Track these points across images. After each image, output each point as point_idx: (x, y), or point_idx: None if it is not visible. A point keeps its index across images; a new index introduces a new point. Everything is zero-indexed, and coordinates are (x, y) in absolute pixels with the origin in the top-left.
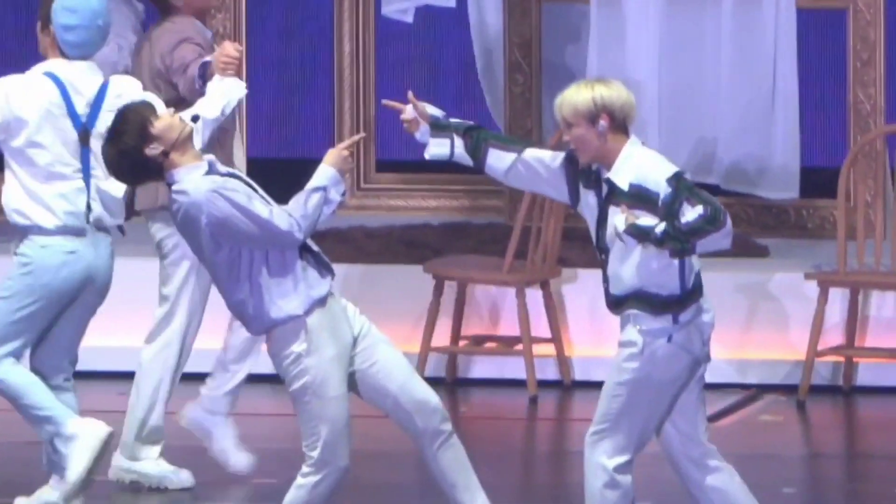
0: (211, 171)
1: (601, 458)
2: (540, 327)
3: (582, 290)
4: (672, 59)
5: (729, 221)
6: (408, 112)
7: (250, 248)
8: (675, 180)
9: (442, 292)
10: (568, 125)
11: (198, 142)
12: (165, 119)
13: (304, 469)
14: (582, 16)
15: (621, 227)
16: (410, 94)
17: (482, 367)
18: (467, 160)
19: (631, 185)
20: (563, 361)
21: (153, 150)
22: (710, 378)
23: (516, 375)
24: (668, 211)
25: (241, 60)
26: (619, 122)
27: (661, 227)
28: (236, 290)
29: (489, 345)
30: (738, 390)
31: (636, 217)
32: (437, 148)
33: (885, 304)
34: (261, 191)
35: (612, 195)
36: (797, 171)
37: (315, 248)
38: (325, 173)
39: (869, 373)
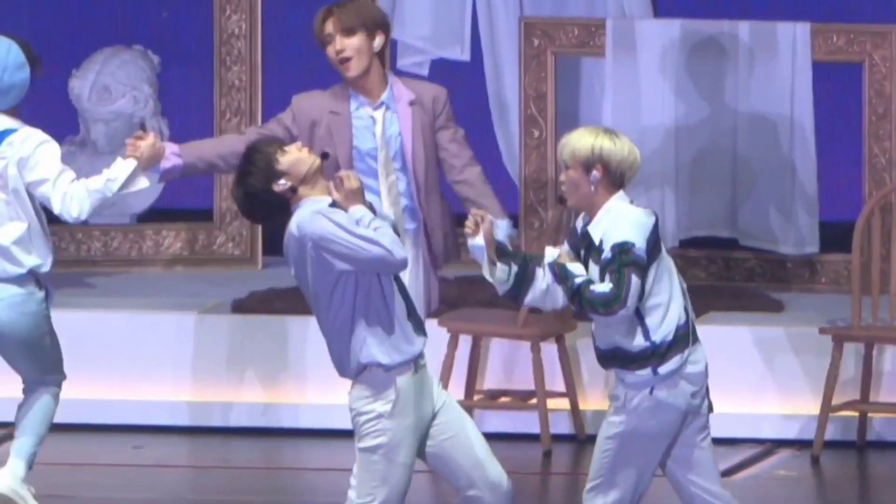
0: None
1: None
2: (554, 381)
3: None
4: (689, 112)
5: (621, 314)
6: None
7: (353, 276)
8: (617, 249)
9: (457, 346)
10: (565, 166)
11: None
12: (293, 153)
13: None
14: (597, 68)
15: (548, 259)
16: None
17: (497, 422)
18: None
19: (600, 241)
20: (577, 415)
21: (281, 186)
22: (723, 432)
23: (530, 430)
24: (599, 273)
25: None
26: (612, 176)
27: (577, 281)
28: (334, 322)
29: (504, 399)
30: (752, 445)
31: (570, 259)
32: (498, 273)
33: None
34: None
35: (590, 250)
36: (816, 226)
37: (413, 304)
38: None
39: (883, 428)
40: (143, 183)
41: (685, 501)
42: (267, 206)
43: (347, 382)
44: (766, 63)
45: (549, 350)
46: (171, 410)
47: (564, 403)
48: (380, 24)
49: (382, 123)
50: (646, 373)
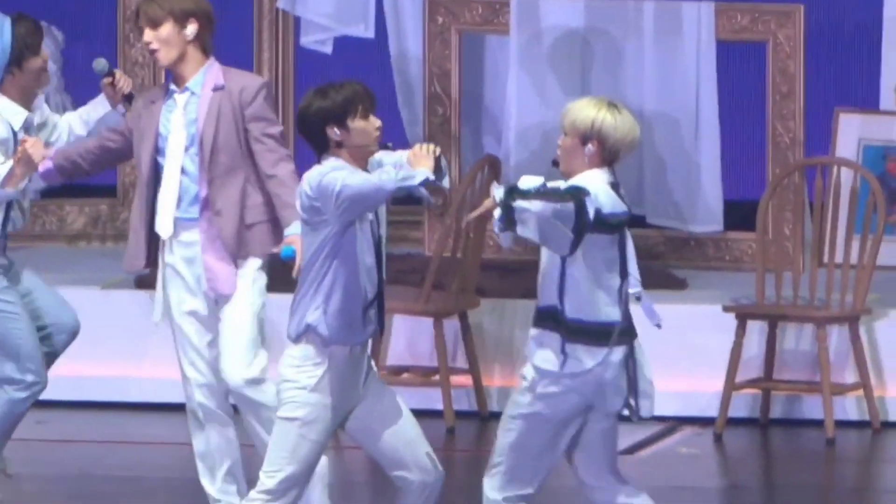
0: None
1: (492, 493)
2: (457, 358)
3: (500, 321)
4: (593, 91)
5: (561, 208)
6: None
7: (336, 244)
8: (573, 188)
9: None
10: (564, 132)
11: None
12: (368, 123)
13: (254, 494)
14: (502, 46)
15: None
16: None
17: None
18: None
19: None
20: (480, 392)
21: (334, 133)
22: (626, 411)
23: (433, 406)
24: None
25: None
26: (607, 153)
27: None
28: (303, 280)
29: (407, 375)
30: (655, 422)
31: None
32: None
33: (802, 337)
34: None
35: None
36: (721, 204)
37: (380, 306)
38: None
39: (786, 405)
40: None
41: (586, 493)
42: (309, 130)
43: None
44: (670, 42)
45: (453, 326)
46: (74, 385)
47: (467, 380)
48: (190, 12)
49: (183, 108)
50: (555, 358)
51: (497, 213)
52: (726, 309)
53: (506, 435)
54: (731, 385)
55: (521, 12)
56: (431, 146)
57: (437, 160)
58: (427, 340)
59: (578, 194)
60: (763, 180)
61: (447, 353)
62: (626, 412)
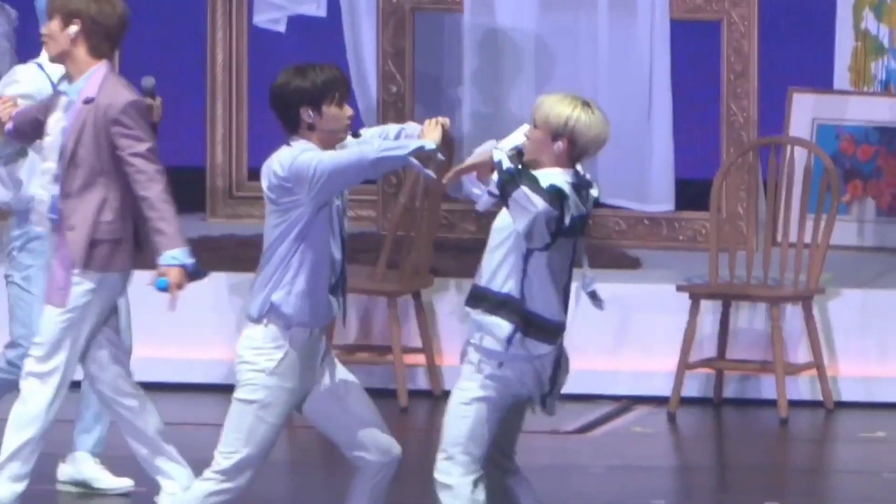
0: None
1: (451, 479)
2: (411, 337)
3: (453, 300)
4: (546, 68)
5: (510, 192)
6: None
7: (304, 225)
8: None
9: None
10: (534, 124)
11: None
12: (341, 111)
13: (208, 474)
14: (455, 24)
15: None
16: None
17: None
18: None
19: None
20: (433, 371)
21: (308, 115)
22: (581, 389)
23: (387, 385)
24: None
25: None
26: (576, 152)
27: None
28: (267, 258)
29: (360, 354)
30: (609, 401)
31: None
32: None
33: (756, 317)
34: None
35: None
36: (672, 183)
37: (342, 290)
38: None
39: (739, 385)
40: None
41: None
42: (283, 107)
43: (185, 338)
44: (624, 20)
45: (406, 305)
46: None
47: (421, 359)
48: (74, 12)
49: (62, 111)
50: (499, 341)
51: (495, 177)
52: (680, 288)
53: (460, 422)
54: (684, 364)
55: None
56: (440, 119)
57: (445, 133)
58: (381, 319)
59: (561, 199)
60: (717, 159)
61: (400, 333)
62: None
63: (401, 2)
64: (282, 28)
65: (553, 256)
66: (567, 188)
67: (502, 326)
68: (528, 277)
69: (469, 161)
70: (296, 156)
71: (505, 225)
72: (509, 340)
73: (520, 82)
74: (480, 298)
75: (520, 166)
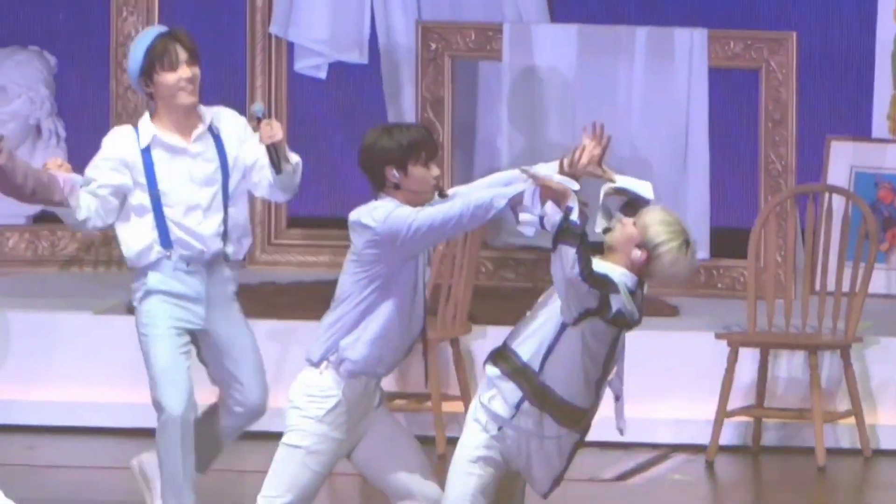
0: None
1: None
2: (449, 384)
3: (491, 348)
4: (584, 117)
5: (561, 244)
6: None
7: (385, 279)
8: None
9: None
10: (632, 222)
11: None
12: (427, 171)
13: None
14: (494, 72)
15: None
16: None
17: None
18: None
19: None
20: None
21: (393, 176)
22: (619, 436)
23: (425, 432)
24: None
25: None
26: (646, 269)
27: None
28: (340, 304)
29: (398, 401)
30: (647, 449)
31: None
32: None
33: (794, 365)
34: None
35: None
36: (707, 231)
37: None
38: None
39: (777, 433)
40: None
41: None
42: (369, 166)
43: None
44: (662, 69)
45: (444, 352)
46: (66, 411)
47: (459, 407)
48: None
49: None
50: (510, 406)
51: (549, 209)
52: (718, 336)
53: (466, 480)
54: (722, 412)
55: (514, 38)
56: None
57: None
58: (419, 366)
59: (606, 285)
60: (755, 207)
61: (439, 380)
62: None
63: (440, 49)
64: (322, 75)
65: (589, 342)
66: (621, 285)
67: (514, 393)
68: (556, 353)
69: (556, 185)
70: (391, 211)
71: (552, 300)
72: (517, 407)
73: (557, 129)
74: (503, 359)
75: (584, 231)
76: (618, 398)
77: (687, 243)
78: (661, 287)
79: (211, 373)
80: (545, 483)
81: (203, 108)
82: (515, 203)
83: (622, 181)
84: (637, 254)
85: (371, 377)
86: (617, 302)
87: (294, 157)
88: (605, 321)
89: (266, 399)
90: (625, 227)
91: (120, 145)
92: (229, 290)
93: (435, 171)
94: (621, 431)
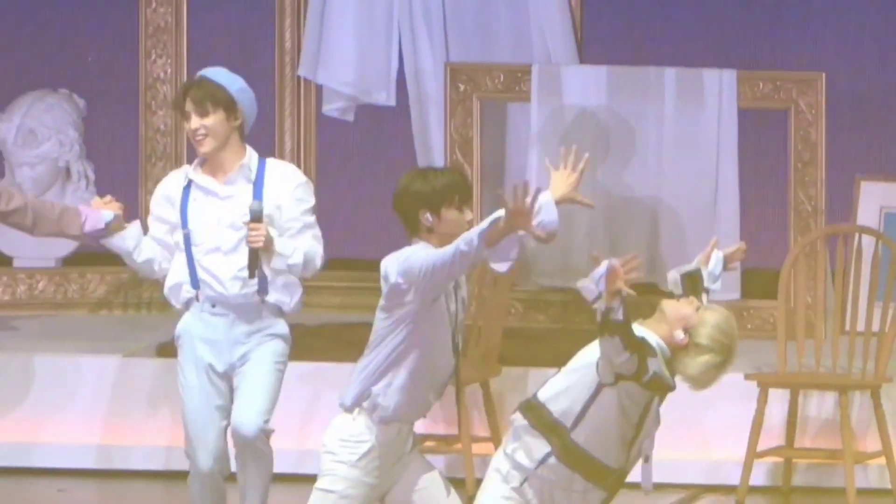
0: None
1: None
2: (479, 426)
3: (521, 389)
4: (613, 159)
5: (606, 335)
6: None
7: (414, 325)
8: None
9: None
10: (697, 304)
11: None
12: (461, 215)
13: None
14: (523, 113)
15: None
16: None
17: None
18: None
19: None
20: None
21: (426, 219)
22: (653, 477)
23: (454, 474)
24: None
25: None
26: (678, 352)
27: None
28: (374, 354)
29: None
30: (678, 489)
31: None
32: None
33: (824, 405)
34: None
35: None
36: (738, 272)
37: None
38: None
39: (808, 473)
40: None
41: None
42: (403, 209)
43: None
44: (691, 110)
45: (474, 394)
46: (96, 454)
47: (489, 448)
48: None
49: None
50: (532, 459)
51: (614, 305)
52: (748, 377)
53: None
54: (753, 452)
55: (542, 80)
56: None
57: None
58: (449, 408)
59: (646, 349)
60: (785, 248)
61: (469, 421)
62: None
63: (468, 90)
64: (350, 117)
65: (625, 402)
66: (658, 349)
67: (541, 447)
68: (590, 412)
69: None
70: (407, 256)
71: (589, 354)
72: (542, 462)
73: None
74: (533, 410)
75: (628, 320)
76: (647, 459)
77: (726, 363)
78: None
79: None
80: None
81: (251, 156)
82: (491, 239)
83: (715, 262)
84: (680, 336)
85: (404, 423)
86: (654, 365)
87: (294, 259)
88: (641, 385)
89: (254, 425)
90: (686, 306)
91: (168, 184)
92: (268, 337)
93: (468, 214)
94: (646, 493)
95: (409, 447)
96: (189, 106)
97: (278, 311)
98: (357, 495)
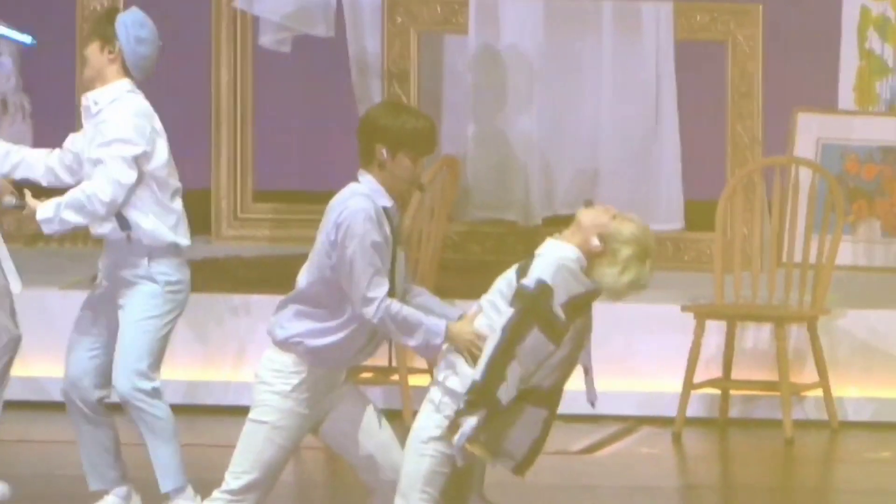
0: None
1: None
2: (416, 357)
3: None
4: (552, 91)
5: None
6: None
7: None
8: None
9: None
10: (604, 207)
11: None
12: (415, 167)
13: (216, 494)
14: (461, 45)
15: None
16: None
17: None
18: None
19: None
20: None
21: (381, 154)
22: (587, 409)
23: (391, 405)
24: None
25: None
26: (597, 259)
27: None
28: (307, 287)
29: (365, 374)
30: (615, 421)
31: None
32: None
33: (761, 337)
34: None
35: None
36: (681, 202)
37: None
38: (437, 329)
39: (744, 405)
40: None
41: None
42: (364, 136)
43: (202, 358)
44: (629, 42)
45: None
46: (32, 385)
47: (426, 379)
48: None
49: None
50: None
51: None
52: (685, 309)
53: (418, 462)
54: (689, 385)
55: (480, 12)
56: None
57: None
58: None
59: (541, 304)
60: (722, 180)
61: (406, 353)
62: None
63: (406, 23)
64: (287, 49)
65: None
66: (568, 268)
67: (466, 374)
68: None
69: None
70: (345, 216)
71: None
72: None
73: (522, 104)
74: None
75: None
76: (587, 371)
77: (641, 274)
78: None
79: None
80: (511, 460)
81: (111, 91)
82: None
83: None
84: (595, 243)
85: (338, 368)
86: (557, 304)
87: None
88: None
89: (126, 385)
90: (602, 215)
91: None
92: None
93: (420, 168)
94: (592, 404)
95: (342, 378)
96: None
97: (147, 251)
98: (289, 426)
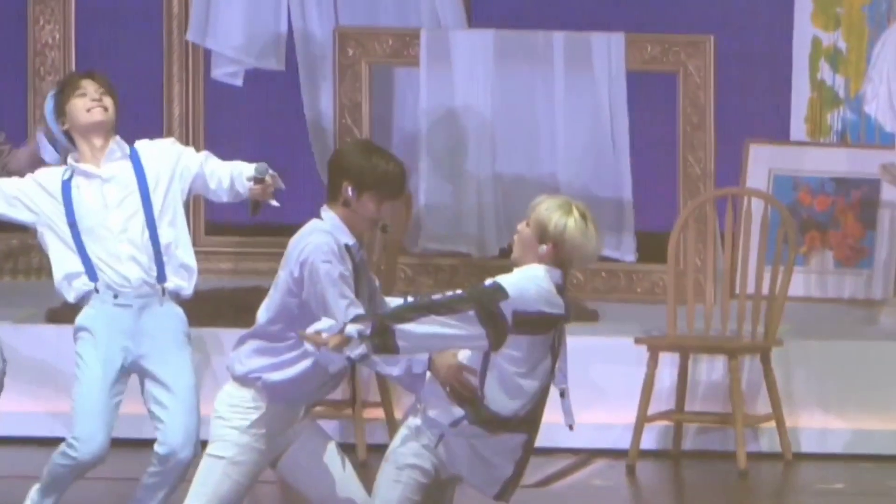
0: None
1: None
2: (370, 391)
3: None
4: (504, 122)
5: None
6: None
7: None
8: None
9: None
10: (527, 222)
11: None
12: (378, 210)
13: None
14: (411, 78)
15: None
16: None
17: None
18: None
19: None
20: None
21: (347, 192)
22: (541, 442)
23: (346, 440)
24: None
25: None
26: (559, 258)
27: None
28: (267, 324)
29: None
30: (568, 454)
31: None
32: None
33: (714, 369)
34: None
35: None
36: (632, 235)
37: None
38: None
39: (698, 437)
40: None
41: None
42: (333, 172)
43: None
44: (580, 73)
45: None
46: None
47: (380, 413)
48: None
49: None
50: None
51: (359, 348)
52: (638, 341)
53: (394, 486)
54: (643, 417)
55: (431, 44)
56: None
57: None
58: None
59: (488, 297)
60: (674, 211)
61: (361, 387)
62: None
63: (357, 55)
64: (239, 82)
65: (517, 357)
66: (535, 285)
67: (454, 411)
68: (490, 377)
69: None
70: (310, 253)
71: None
72: (455, 424)
73: (474, 136)
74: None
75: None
76: (563, 394)
77: (583, 216)
78: (579, 266)
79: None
80: (493, 486)
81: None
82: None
83: None
84: (543, 248)
85: (298, 404)
86: (510, 305)
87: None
88: (514, 329)
89: (190, 446)
90: (520, 235)
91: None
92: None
93: (385, 213)
94: (571, 427)
95: (300, 414)
96: (87, 83)
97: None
98: (247, 461)
